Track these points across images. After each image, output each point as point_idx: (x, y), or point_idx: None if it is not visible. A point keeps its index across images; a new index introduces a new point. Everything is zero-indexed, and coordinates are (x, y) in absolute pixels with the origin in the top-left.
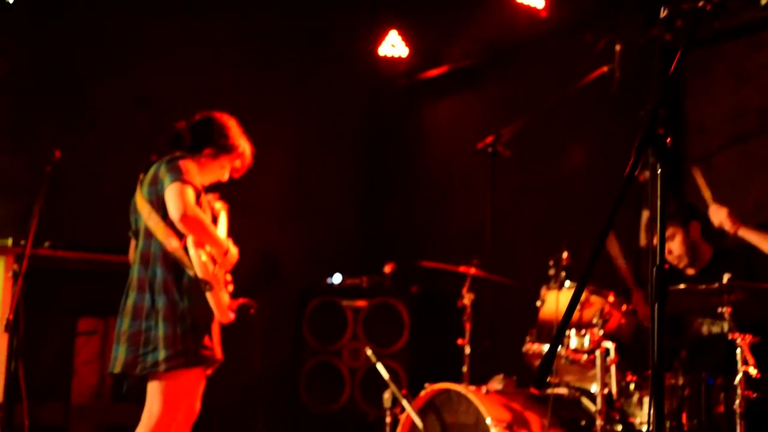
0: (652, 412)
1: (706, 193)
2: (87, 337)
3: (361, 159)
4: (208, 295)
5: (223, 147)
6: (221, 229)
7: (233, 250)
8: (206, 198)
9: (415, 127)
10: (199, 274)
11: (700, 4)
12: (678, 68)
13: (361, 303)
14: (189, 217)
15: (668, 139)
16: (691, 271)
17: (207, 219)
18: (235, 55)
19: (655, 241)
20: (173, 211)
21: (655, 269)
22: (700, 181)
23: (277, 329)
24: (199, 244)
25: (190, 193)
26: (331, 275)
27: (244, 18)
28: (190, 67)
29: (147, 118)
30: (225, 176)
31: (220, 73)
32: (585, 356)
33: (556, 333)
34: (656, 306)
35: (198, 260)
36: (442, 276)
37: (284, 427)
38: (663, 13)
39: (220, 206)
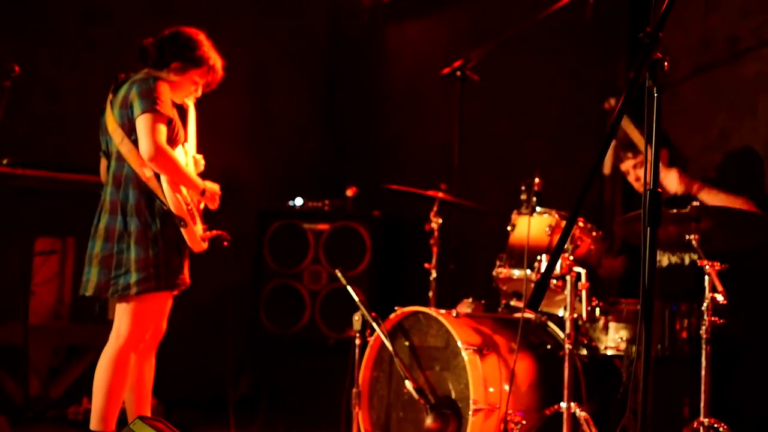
0: (642, 335)
1: (636, 137)
2: (45, 257)
3: (324, 81)
4: (182, 230)
5: (190, 60)
6: (191, 129)
7: (212, 186)
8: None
9: (380, 50)
10: (173, 210)
11: None
12: None
13: (322, 226)
14: (158, 157)
15: (666, 64)
16: None
17: (179, 158)
18: None
19: (649, 166)
20: (143, 149)
21: (648, 193)
22: (631, 130)
23: (237, 252)
24: (173, 184)
25: (162, 129)
26: (293, 198)
27: None
28: None
29: (106, 32)
30: (198, 92)
31: None
32: (554, 281)
33: (550, 258)
34: (649, 230)
35: (172, 196)
36: (405, 200)
37: (244, 350)
38: None
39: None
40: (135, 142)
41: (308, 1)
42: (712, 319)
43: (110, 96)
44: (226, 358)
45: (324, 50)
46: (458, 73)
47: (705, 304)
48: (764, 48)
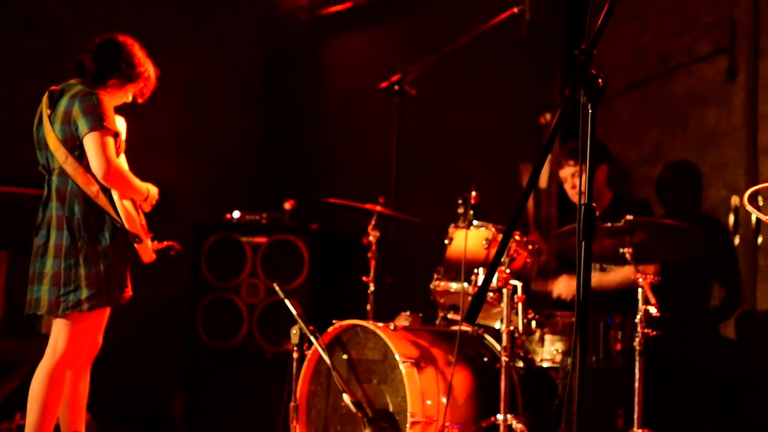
0: (576, 347)
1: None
2: None
3: (262, 94)
4: (136, 245)
5: (128, 76)
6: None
7: (153, 190)
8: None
9: (318, 63)
10: (127, 227)
11: None
12: (610, 9)
13: (260, 239)
14: (112, 174)
15: (600, 80)
16: None
17: (128, 172)
18: None
19: (584, 180)
20: (96, 168)
21: (583, 207)
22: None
23: (174, 265)
24: (123, 197)
25: (111, 145)
26: (230, 211)
27: None
28: None
29: (40, 43)
30: (129, 99)
31: None
32: (491, 294)
33: (487, 272)
34: (583, 244)
35: (124, 212)
36: (343, 213)
37: (180, 363)
38: None
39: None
40: (78, 158)
41: (247, 15)
42: (646, 331)
43: (47, 111)
44: (167, 373)
45: (262, 63)
46: (396, 87)
47: (638, 317)
48: (695, 65)
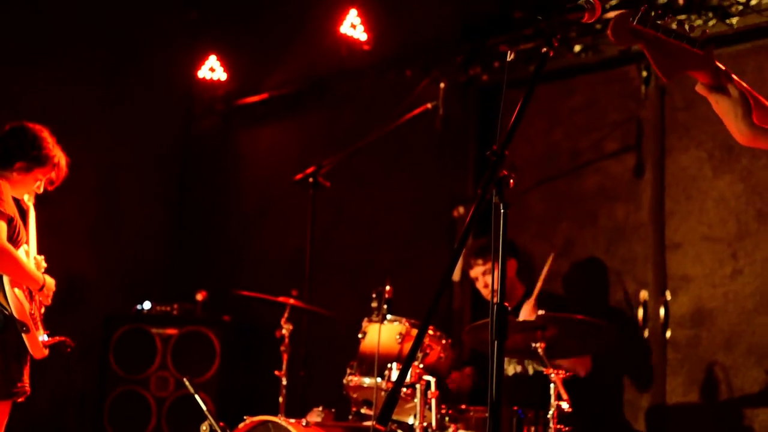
0: None
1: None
2: None
3: (175, 183)
4: (24, 336)
5: (36, 159)
6: (32, 229)
7: (50, 281)
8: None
9: (232, 153)
10: (16, 315)
11: (543, 49)
12: (522, 109)
13: (171, 331)
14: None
15: (511, 181)
16: None
17: (21, 256)
18: (46, 66)
19: (496, 278)
20: None
21: (495, 307)
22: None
23: (82, 357)
24: (15, 283)
25: (2, 227)
26: (141, 302)
27: (57, 27)
28: None
29: None
30: (40, 189)
31: (30, 86)
32: (405, 390)
33: (401, 370)
34: (496, 343)
35: (14, 300)
36: (256, 306)
37: None
38: (510, 57)
39: (27, 198)
40: None
41: (162, 104)
42: (558, 426)
43: None
44: None
45: (176, 152)
46: (311, 179)
47: (551, 412)
48: (604, 161)
